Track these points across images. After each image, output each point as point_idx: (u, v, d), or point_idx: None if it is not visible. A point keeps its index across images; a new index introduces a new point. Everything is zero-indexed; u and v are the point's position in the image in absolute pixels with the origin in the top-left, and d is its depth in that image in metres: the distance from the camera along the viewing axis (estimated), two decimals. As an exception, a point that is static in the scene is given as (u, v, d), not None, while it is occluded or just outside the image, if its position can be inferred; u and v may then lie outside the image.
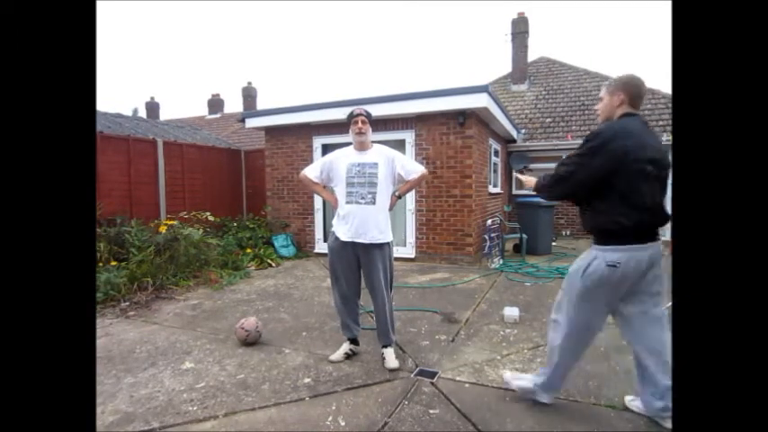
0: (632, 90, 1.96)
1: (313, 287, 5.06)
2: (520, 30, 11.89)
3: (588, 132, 2.18)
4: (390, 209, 2.87)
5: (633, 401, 2.25)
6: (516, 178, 2.72)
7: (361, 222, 2.73)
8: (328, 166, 2.92)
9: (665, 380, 1.98)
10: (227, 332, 3.47)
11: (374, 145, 2.91)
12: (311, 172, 2.98)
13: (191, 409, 2.31)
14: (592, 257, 2.00)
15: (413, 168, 2.91)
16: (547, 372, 2.22)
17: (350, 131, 2.86)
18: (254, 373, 2.72)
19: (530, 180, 2.31)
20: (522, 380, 2.36)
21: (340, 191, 2.84)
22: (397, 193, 2.91)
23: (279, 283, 5.31)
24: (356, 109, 2.86)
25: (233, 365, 2.85)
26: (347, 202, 2.78)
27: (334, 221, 2.89)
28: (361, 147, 2.85)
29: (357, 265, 2.84)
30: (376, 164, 2.79)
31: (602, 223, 1.95)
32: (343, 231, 2.78)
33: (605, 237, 1.96)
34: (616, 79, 2.03)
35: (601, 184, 1.90)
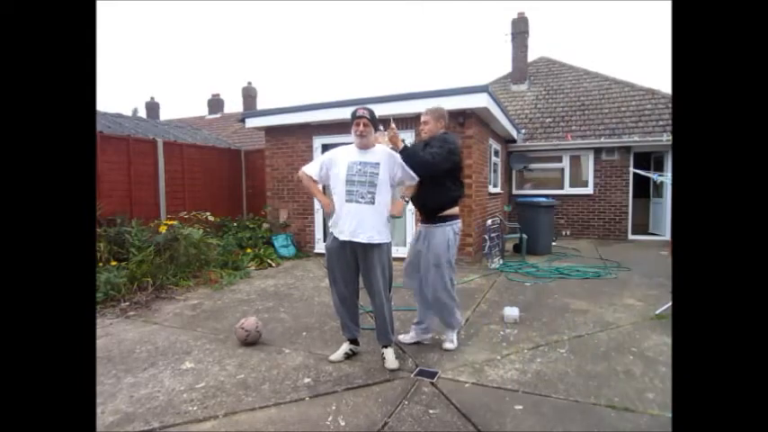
0: (445, 119, 3.18)
1: (313, 287, 5.06)
2: (520, 30, 11.89)
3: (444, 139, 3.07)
4: (399, 215, 2.89)
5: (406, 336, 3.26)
6: (389, 128, 3.10)
7: (359, 222, 2.70)
8: (328, 163, 2.86)
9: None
10: (227, 332, 3.47)
11: (377, 144, 2.88)
12: (311, 169, 2.91)
13: (191, 409, 2.31)
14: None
15: (409, 175, 2.90)
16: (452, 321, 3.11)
17: (351, 131, 2.83)
18: (254, 373, 2.72)
19: (397, 139, 3.02)
20: (450, 341, 3.13)
21: (339, 190, 2.79)
22: (406, 198, 2.94)
23: (279, 283, 5.31)
24: (359, 109, 2.80)
25: (233, 365, 2.85)
26: (347, 201, 2.74)
27: (332, 222, 2.87)
28: (364, 146, 2.82)
29: (355, 265, 2.84)
30: (378, 164, 2.77)
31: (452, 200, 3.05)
32: (340, 230, 2.76)
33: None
34: (437, 110, 3.16)
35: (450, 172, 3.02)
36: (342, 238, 2.75)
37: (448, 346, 3.09)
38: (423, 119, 3.17)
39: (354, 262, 2.83)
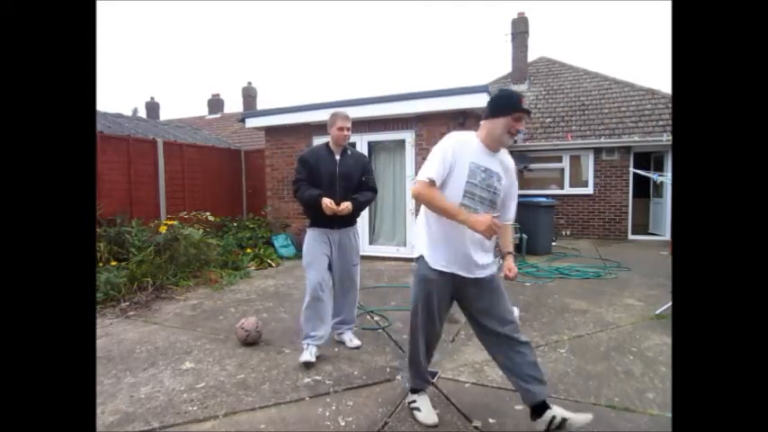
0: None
1: (313, 287, 5.05)
2: (520, 30, 11.89)
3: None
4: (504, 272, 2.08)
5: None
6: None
7: (475, 252, 1.97)
8: (452, 159, 1.94)
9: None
10: (227, 332, 3.47)
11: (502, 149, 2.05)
12: (432, 171, 1.91)
13: (191, 409, 2.31)
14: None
15: (513, 204, 2.13)
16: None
17: (501, 122, 1.92)
18: (254, 373, 2.72)
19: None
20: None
21: (451, 200, 1.93)
22: (510, 252, 2.08)
23: (279, 283, 5.31)
24: (524, 98, 1.98)
25: (233, 365, 2.85)
26: None
27: (428, 242, 2.04)
28: (495, 148, 1.99)
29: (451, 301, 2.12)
30: (501, 177, 2.00)
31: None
32: (442, 258, 1.98)
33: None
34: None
35: None
36: (448, 270, 1.98)
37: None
38: (348, 125, 3.01)
39: (450, 297, 2.09)
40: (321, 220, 2.90)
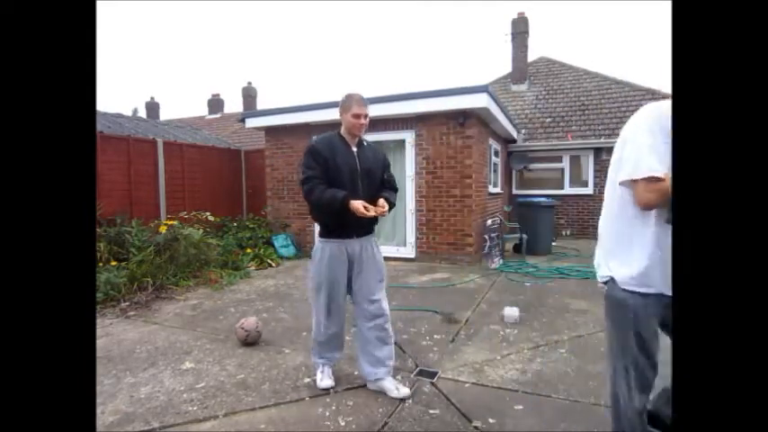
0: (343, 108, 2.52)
1: (313, 287, 5.06)
2: (520, 30, 11.89)
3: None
4: None
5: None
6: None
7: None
8: (668, 142, 1.34)
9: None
10: (227, 332, 3.47)
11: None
12: (659, 161, 1.37)
13: (191, 409, 2.31)
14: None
15: None
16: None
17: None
18: (254, 373, 2.72)
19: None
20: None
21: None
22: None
23: (279, 283, 5.31)
24: None
25: (233, 365, 2.85)
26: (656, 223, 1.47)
27: (643, 264, 1.51)
28: None
29: None
30: None
31: None
32: (656, 275, 1.48)
33: None
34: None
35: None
36: (661, 290, 1.48)
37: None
38: (366, 112, 2.47)
39: None
40: (342, 228, 2.39)
